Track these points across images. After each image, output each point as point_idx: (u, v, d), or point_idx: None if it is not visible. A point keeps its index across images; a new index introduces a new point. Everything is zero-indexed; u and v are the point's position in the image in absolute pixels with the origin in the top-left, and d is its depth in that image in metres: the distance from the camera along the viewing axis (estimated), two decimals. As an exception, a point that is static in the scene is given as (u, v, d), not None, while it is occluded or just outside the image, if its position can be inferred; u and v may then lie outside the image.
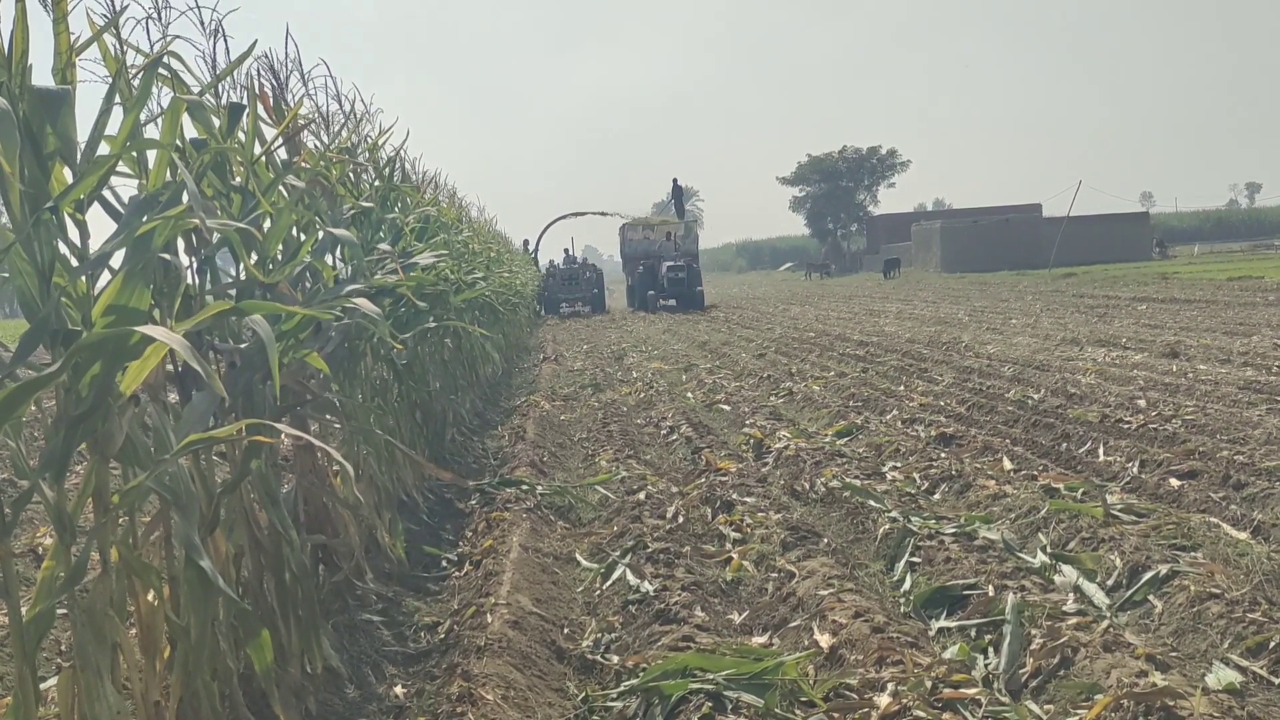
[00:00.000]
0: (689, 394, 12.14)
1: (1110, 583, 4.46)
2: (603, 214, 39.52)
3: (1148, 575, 4.35)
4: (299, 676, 3.52)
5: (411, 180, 8.55)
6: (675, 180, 43.95)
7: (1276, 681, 3.43)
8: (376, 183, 6.64)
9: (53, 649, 3.91)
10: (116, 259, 2.62)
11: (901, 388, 10.95)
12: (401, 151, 7.62)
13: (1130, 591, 4.31)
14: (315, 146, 5.15)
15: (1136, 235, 48.91)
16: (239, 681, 3.16)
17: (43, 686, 2.74)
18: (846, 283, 49.19)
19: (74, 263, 2.60)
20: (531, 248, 39.97)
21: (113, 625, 2.63)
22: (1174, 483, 5.97)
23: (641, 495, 6.71)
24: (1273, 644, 3.58)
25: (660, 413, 10.60)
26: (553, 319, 33.79)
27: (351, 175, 5.87)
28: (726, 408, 10.75)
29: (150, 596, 2.89)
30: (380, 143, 6.79)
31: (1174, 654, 3.72)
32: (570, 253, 40.83)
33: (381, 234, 6.04)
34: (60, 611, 2.57)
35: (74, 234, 2.69)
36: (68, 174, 2.61)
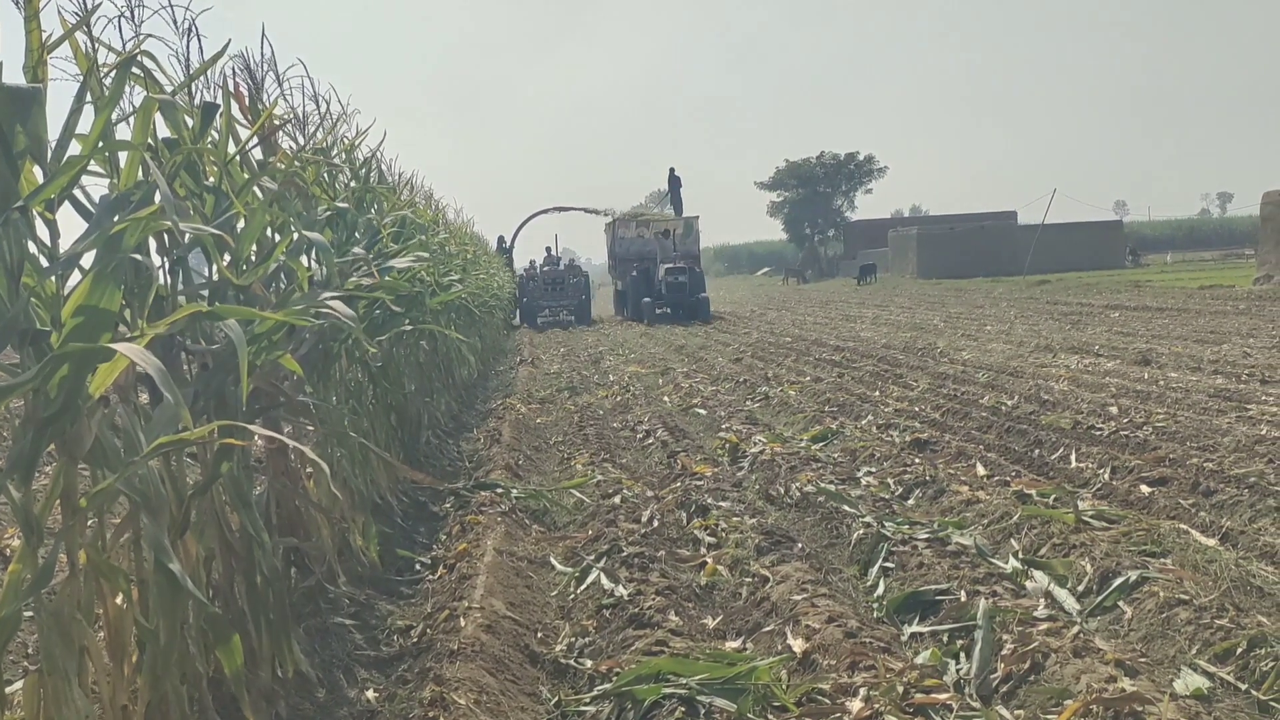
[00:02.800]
0: (665, 398, 12.15)
1: (1081, 588, 4.50)
2: (593, 211, 34.64)
3: (1118, 581, 4.38)
4: (269, 680, 3.50)
5: (388, 181, 8.51)
6: (672, 170, 36.46)
7: (1243, 687, 3.46)
8: (353, 184, 6.61)
9: (19, 652, 3.87)
10: (87, 260, 2.59)
11: (877, 393, 11.00)
12: (378, 153, 7.59)
13: (1100, 597, 4.35)
14: (290, 147, 5.12)
15: (1110, 243, 49.25)
16: (208, 685, 3.14)
17: (8, 690, 2.71)
18: (823, 288, 49.35)
19: (44, 263, 2.58)
20: (507, 245, 35.08)
21: (80, 628, 2.60)
22: (1144, 489, 6.02)
23: (617, 499, 6.71)
24: (1240, 650, 3.62)
25: (637, 416, 10.60)
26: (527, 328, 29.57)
27: (327, 176, 5.84)
28: (703, 412, 10.76)
29: (119, 599, 2.86)
30: (357, 143, 6.76)
31: (1143, 659, 3.75)
32: (553, 252, 34.33)
33: (357, 235, 6.01)
34: (27, 614, 2.54)
35: (44, 234, 2.67)
36: (38, 173, 2.59)
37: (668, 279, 28.59)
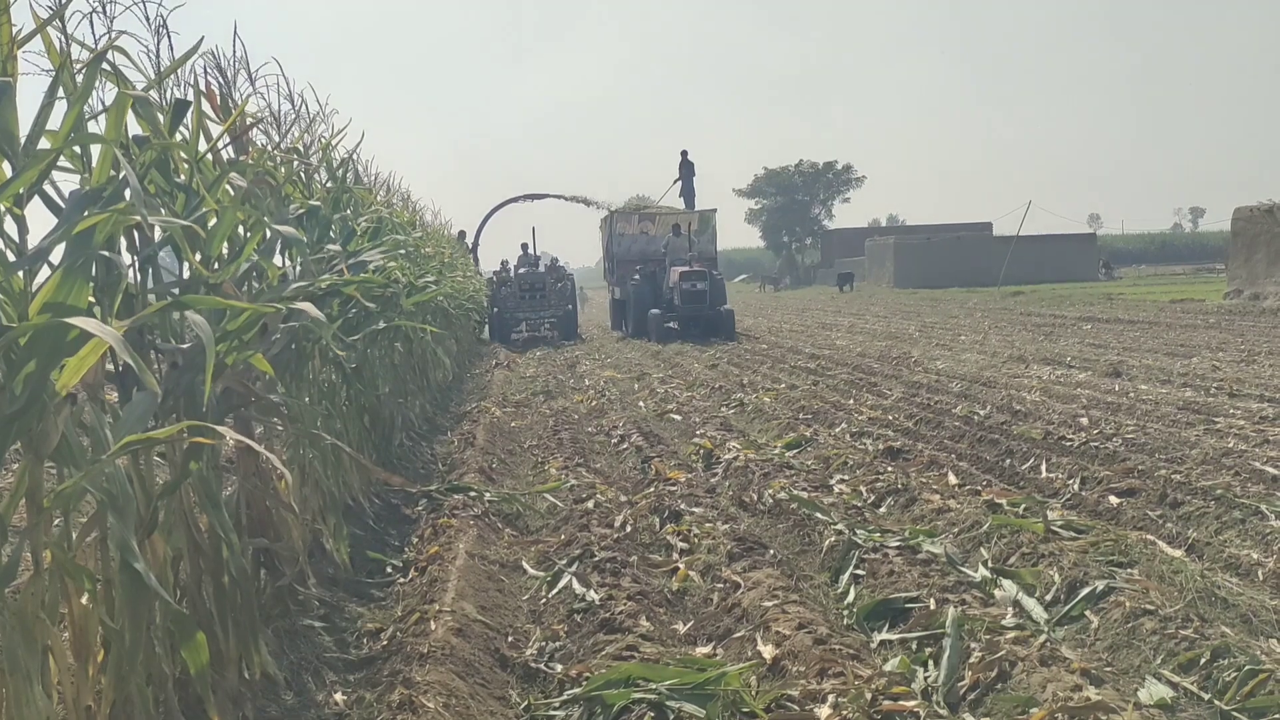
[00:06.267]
0: (641, 403, 12.15)
1: (1049, 598, 4.53)
2: (581, 201, 28.39)
3: (1085, 591, 4.42)
4: (236, 682, 3.47)
5: (364, 182, 8.48)
6: (684, 154, 28.62)
7: (1206, 697, 3.50)
8: (329, 184, 6.58)
9: (-19, 652, 3.82)
10: (57, 257, 2.57)
11: (851, 401, 11.05)
12: (355, 153, 7.56)
13: (1068, 607, 4.38)
14: (265, 145, 5.09)
15: (1083, 256, 49.70)
16: (174, 686, 3.11)
17: (-32, 690, 2.68)
18: (800, 295, 49.52)
19: (12, 258, 2.55)
20: (470, 241, 27.88)
21: (44, 628, 2.58)
22: (1113, 500, 6.07)
23: (590, 504, 6.70)
24: (1204, 660, 3.65)
25: (611, 421, 10.60)
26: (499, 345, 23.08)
27: (303, 175, 5.81)
28: (678, 417, 10.77)
29: (84, 599, 2.83)
30: (334, 143, 6.73)
31: (1108, 669, 3.78)
32: (531, 250, 27.36)
33: (332, 234, 5.99)
34: (-11, 613, 2.51)
35: (14, 231, 2.65)
36: (7, 168, 2.56)
37: (683, 286, 21.99)
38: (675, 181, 28.72)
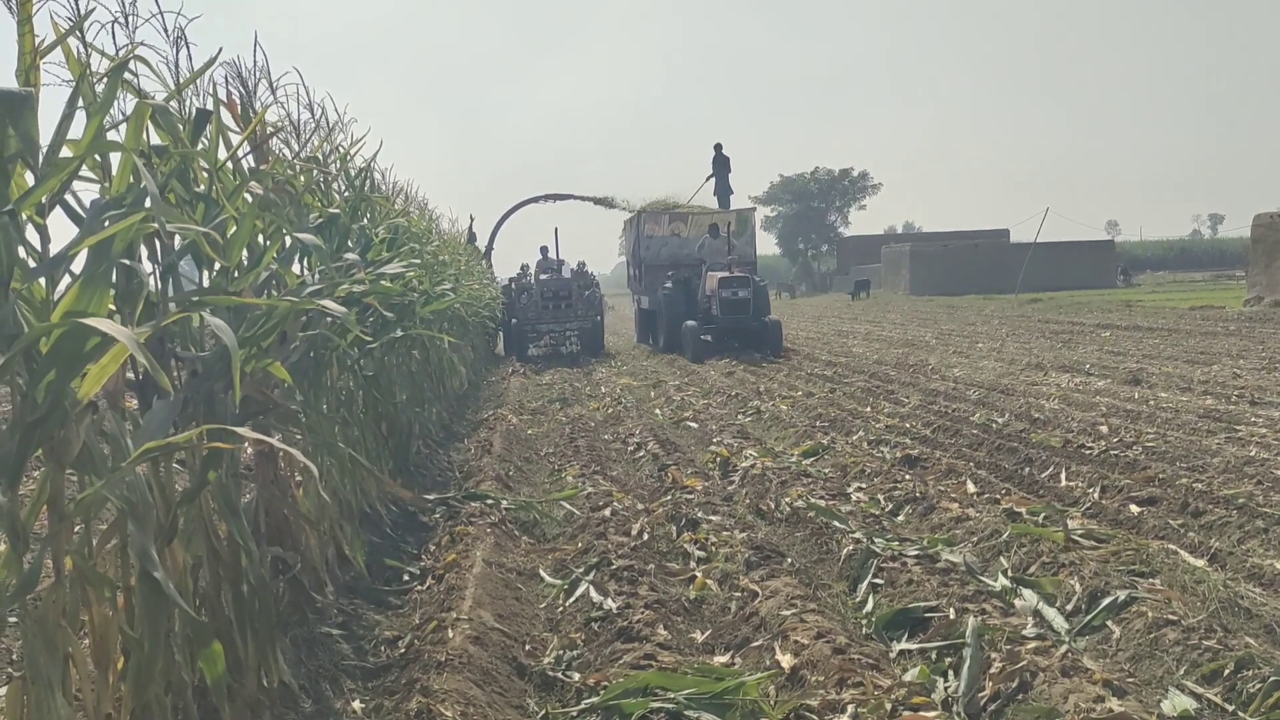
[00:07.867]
0: (657, 411, 12.14)
1: (1070, 607, 4.50)
2: (603, 202, 26.04)
3: (1106, 600, 4.39)
4: (255, 690, 3.47)
5: (381, 191, 8.50)
6: (718, 148, 25.19)
7: (1230, 708, 3.47)
8: (347, 192, 6.60)
9: (2, 658, 3.84)
10: (78, 266, 2.58)
11: (868, 409, 11.01)
12: (373, 162, 7.58)
13: (1089, 616, 4.35)
14: (286, 154, 5.12)
15: (1101, 262, 49.54)
16: (193, 694, 3.12)
17: (-10, 697, 2.69)
18: (816, 303, 49.44)
19: (33, 266, 2.57)
20: (483, 243, 25.46)
21: (65, 635, 2.58)
22: (1134, 509, 6.03)
23: (607, 512, 6.69)
24: (1227, 671, 3.62)
25: (628, 429, 10.59)
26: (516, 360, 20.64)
27: (321, 184, 5.83)
28: (694, 425, 10.76)
29: (104, 607, 2.84)
30: (352, 152, 6.76)
31: (1131, 680, 3.75)
32: (552, 253, 24.32)
33: (350, 244, 6.01)
34: (11, 620, 2.52)
35: (36, 240, 2.66)
36: (29, 177, 2.58)
37: (723, 293, 18.69)
38: (709, 178, 25.28)
